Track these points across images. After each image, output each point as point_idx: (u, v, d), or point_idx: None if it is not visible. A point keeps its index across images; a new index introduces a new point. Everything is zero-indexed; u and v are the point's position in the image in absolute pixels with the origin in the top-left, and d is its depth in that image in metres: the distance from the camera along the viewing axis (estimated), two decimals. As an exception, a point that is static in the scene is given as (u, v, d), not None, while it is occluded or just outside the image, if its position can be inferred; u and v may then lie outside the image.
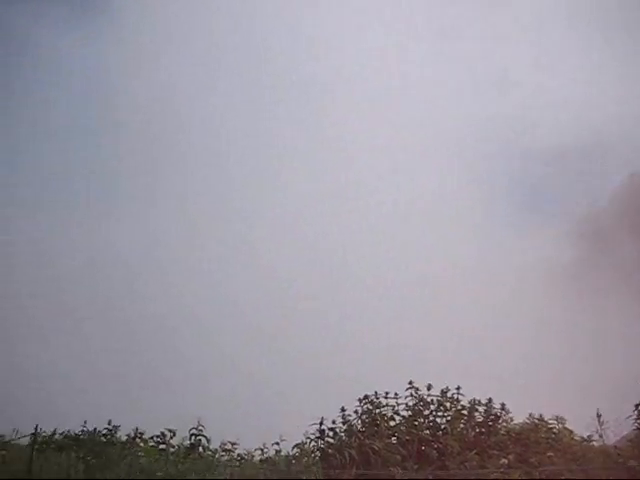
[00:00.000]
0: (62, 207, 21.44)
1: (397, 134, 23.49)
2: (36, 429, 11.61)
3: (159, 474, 10.61)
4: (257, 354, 17.30)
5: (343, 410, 11.69)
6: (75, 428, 12.43)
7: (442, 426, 11.77)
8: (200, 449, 11.57)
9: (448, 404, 11.93)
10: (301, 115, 23.98)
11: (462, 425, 11.74)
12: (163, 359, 17.42)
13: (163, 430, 11.80)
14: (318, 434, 11.50)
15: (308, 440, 11.41)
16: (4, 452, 12.51)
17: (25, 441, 12.82)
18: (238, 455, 11.51)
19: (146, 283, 21.00)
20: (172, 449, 11.66)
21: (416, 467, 10.92)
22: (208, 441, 11.60)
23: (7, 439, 13.06)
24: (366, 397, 11.85)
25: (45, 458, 11.90)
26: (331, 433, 11.54)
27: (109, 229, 21.48)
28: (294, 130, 23.78)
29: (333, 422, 11.62)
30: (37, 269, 20.74)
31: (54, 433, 12.74)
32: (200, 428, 11.51)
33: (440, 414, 11.86)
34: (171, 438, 11.85)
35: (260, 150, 23.89)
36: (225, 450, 11.64)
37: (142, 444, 11.93)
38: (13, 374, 15.67)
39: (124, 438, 12.02)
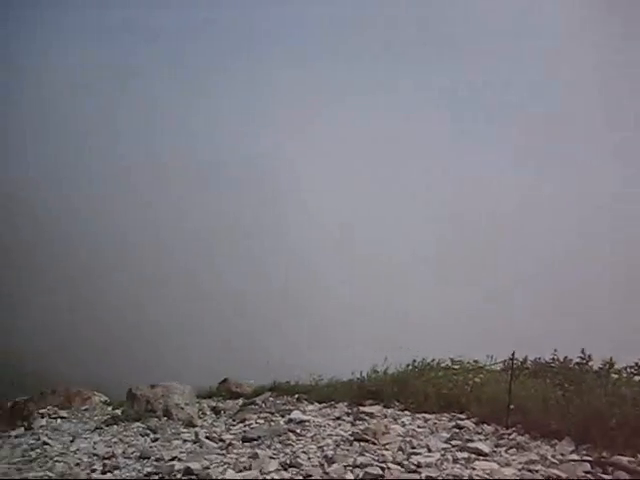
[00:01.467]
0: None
1: None
2: (513, 355, 12.75)
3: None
4: None
5: None
6: (545, 356, 13.39)
7: None
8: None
9: None
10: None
11: None
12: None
13: (637, 361, 11.73)
14: None
15: None
16: (482, 375, 14.32)
17: (497, 367, 14.43)
18: None
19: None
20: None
21: None
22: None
23: (482, 364, 14.90)
24: None
25: (520, 382, 13.10)
26: None
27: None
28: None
29: None
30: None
31: (525, 360, 13.94)
32: (684, 358, 11.02)
33: None
34: (646, 369, 11.71)
35: None
36: None
37: (615, 374, 12.04)
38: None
39: (596, 368, 12.36)
